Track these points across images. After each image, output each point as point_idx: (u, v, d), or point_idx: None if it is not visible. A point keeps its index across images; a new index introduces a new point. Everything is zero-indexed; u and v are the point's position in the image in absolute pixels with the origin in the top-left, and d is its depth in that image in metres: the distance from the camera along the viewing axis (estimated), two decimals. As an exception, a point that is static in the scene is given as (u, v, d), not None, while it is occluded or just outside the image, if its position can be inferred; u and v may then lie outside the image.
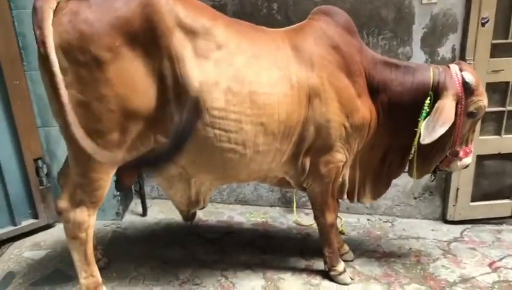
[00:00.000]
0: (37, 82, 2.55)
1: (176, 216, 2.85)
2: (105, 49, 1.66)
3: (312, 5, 2.51)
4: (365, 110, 2.11)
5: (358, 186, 2.38)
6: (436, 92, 2.10)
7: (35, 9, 1.64)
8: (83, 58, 1.66)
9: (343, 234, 2.88)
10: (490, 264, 2.60)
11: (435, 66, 2.20)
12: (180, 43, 1.77)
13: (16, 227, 2.73)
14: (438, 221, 3.11)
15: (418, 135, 2.11)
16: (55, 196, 2.69)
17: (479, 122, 2.38)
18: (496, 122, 2.92)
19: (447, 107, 2.04)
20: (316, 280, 2.42)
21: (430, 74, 2.13)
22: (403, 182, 2.99)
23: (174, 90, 1.80)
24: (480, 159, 2.95)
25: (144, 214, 3.11)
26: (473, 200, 3.03)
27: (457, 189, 2.99)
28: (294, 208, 2.99)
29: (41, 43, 1.62)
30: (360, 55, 2.10)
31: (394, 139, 2.24)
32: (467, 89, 2.09)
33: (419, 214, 3.14)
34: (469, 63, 2.55)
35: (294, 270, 2.50)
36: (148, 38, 1.73)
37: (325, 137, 2.07)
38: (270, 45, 1.99)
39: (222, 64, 1.85)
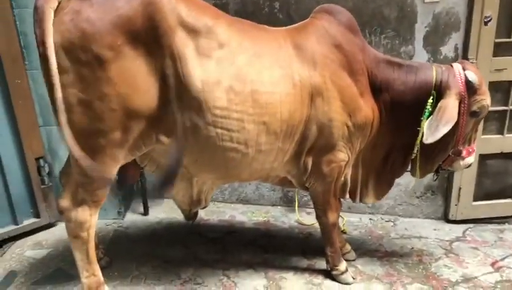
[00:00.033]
0: (38, 81, 2.55)
1: (177, 215, 2.85)
2: (107, 48, 1.66)
3: (314, 4, 2.50)
4: (368, 109, 2.10)
5: (360, 185, 2.38)
6: (439, 91, 2.09)
7: (36, 9, 1.64)
8: (85, 57, 1.65)
9: (345, 233, 2.88)
10: (492, 264, 2.59)
11: (438, 65, 2.19)
12: (182, 42, 1.76)
13: (18, 226, 2.73)
14: (440, 220, 3.10)
15: (420, 134, 2.10)
16: (56, 195, 2.69)
17: (482, 122, 2.37)
18: (498, 122, 2.91)
19: (450, 106, 2.03)
20: (318, 279, 2.42)
21: (433, 73, 2.12)
22: (405, 181, 2.99)
23: (176, 89, 1.80)
24: (483, 158, 2.94)
25: (146, 213, 3.11)
26: (475, 200, 3.02)
27: (460, 188, 2.98)
28: (296, 207, 2.99)
29: (41, 43, 1.62)
30: (363, 54, 2.10)
31: (397, 138, 2.24)
32: (470, 88, 2.08)
33: (422, 214, 3.13)
34: (472, 62, 2.54)
35: (296, 269, 2.50)
36: (150, 37, 1.72)
37: (327, 136, 2.07)
38: (272, 43, 1.98)
39: (224, 63, 1.84)
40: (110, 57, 1.67)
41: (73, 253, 1.97)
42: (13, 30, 2.51)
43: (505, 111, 2.87)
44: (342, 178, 2.28)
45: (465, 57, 2.74)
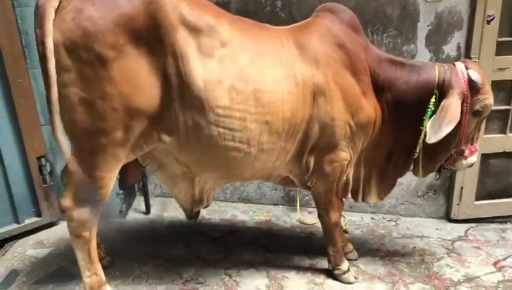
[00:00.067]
0: (40, 80, 2.53)
1: (179, 214, 2.85)
2: (109, 47, 1.66)
3: (316, 3, 2.50)
4: (370, 108, 2.09)
5: (363, 185, 2.37)
6: (442, 90, 2.08)
7: (37, 8, 1.63)
8: (87, 56, 1.65)
9: (347, 232, 2.87)
10: (495, 264, 2.58)
11: (441, 64, 2.18)
12: (184, 41, 1.76)
13: (20, 225, 2.72)
14: (442, 220, 3.10)
15: (423, 133, 2.10)
16: (58, 194, 2.68)
17: (484, 121, 2.37)
18: (501, 121, 2.90)
19: (453, 105, 2.02)
20: (320, 278, 2.41)
21: (436, 72, 2.11)
22: (407, 180, 2.98)
23: (178, 88, 1.79)
24: (485, 157, 2.93)
25: (147, 212, 3.10)
26: (477, 199, 3.02)
27: (462, 187, 2.97)
28: (298, 207, 2.98)
29: (41, 42, 1.62)
30: (365, 53, 2.09)
31: (399, 137, 2.23)
32: (473, 88, 2.07)
33: (424, 213, 3.13)
34: (474, 61, 2.53)
35: (298, 269, 2.49)
36: (152, 36, 1.72)
37: (329, 136, 2.06)
38: (274, 42, 1.98)
39: (226, 62, 1.84)
40: (112, 56, 1.66)
41: (75, 252, 1.97)
42: (15, 29, 2.50)
43: (508, 110, 2.87)
44: (344, 177, 2.28)
45: (467, 56, 2.73)
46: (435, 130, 2.00)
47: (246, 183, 3.20)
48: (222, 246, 2.71)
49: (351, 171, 2.30)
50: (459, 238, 2.86)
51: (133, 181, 2.56)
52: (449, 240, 2.83)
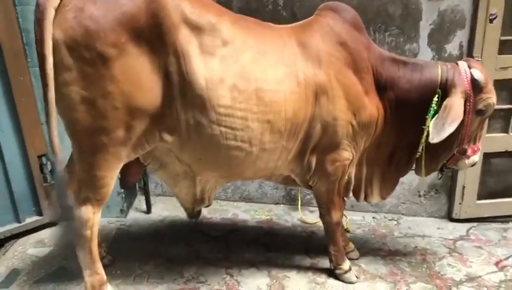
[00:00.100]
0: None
1: (180, 213, 2.84)
2: (111, 46, 1.65)
3: (318, 1, 2.49)
4: (372, 107, 2.09)
5: (365, 184, 2.36)
6: (445, 89, 2.08)
7: (36, 7, 1.63)
8: (88, 54, 1.64)
9: (348, 232, 2.87)
10: (497, 263, 2.58)
11: (443, 63, 2.17)
12: (185, 40, 1.75)
13: (20, 224, 2.72)
14: (443, 219, 3.09)
15: (425, 132, 2.09)
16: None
17: (487, 120, 2.36)
18: (503, 120, 2.89)
19: (456, 105, 2.02)
20: (322, 278, 2.41)
21: (438, 71, 2.10)
22: (409, 179, 2.97)
23: (179, 87, 1.79)
24: (487, 157, 2.92)
25: (148, 211, 3.10)
26: (479, 198, 3.00)
27: (464, 187, 2.96)
28: (299, 206, 2.98)
29: (39, 42, 1.61)
30: (368, 52, 2.08)
31: (401, 136, 2.22)
32: (476, 87, 2.06)
33: (425, 212, 3.12)
34: (477, 60, 2.52)
35: (300, 268, 2.49)
36: (153, 34, 1.71)
37: (331, 135, 2.05)
38: (276, 41, 1.97)
39: (228, 61, 1.83)
40: (113, 54, 1.66)
41: (76, 251, 1.97)
42: (16, 27, 2.49)
43: (510, 109, 2.85)
44: (346, 177, 2.27)
45: (470, 54, 2.72)
46: (438, 129, 1.99)
47: (247, 182, 3.20)
48: (223, 245, 2.71)
49: (353, 171, 2.30)
50: (461, 238, 2.86)
51: (134, 180, 2.56)
52: (451, 240, 2.83)
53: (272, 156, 2.03)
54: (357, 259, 2.57)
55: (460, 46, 2.76)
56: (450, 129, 1.97)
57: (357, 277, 2.39)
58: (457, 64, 2.14)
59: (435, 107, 2.07)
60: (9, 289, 2.29)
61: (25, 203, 2.73)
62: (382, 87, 2.13)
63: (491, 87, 2.12)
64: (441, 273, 2.48)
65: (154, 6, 1.69)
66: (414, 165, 2.34)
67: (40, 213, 2.80)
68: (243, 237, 2.82)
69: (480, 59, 2.67)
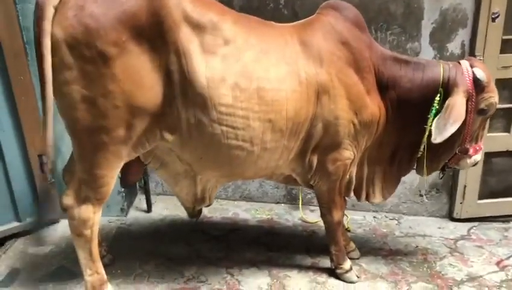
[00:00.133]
0: (41, 77, 2.53)
1: (180, 213, 2.84)
2: (112, 44, 1.64)
3: (320, 0, 2.47)
4: (374, 106, 2.08)
5: (366, 184, 2.36)
6: (447, 88, 2.07)
7: (36, 6, 1.62)
8: (89, 53, 1.63)
9: (349, 231, 2.86)
10: (498, 263, 2.57)
11: (445, 62, 2.16)
12: (187, 38, 1.74)
13: (20, 223, 2.71)
14: (444, 219, 3.08)
15: (427, 132, 2.08)
16: (59, 192, 2.67)
17: (489, 119, 2.35)
18: (504, 119, 2.88)
19: (458, 104, 2.01)
20: (322, 277, 2.40)
21: (440, 70, 2.09)
22: (410, 179, 2.96)
23: (180, 86, 1.78)
24: (488, 156, 2.91)
25: (149, 210, 3.09)
26: (480, 198, 3.00)
27: (465, 186, 2.95)
28: (300, 205, 2.97)
29: (38, 41, 1.60)
30: (370, 51, 2.07)
31: (403, 136, 2.21)
32: (478, 86, 2.05)
33: (426, 212, 3.11)
34: (479, 59, 2.51)
35: (300, 267, 2.48)
36: (154, 33, 1.70)
37: (333, 134, 2.04)
38: (278, 40, 1.96)
39: (230, 59, 1.82)
40: (114, 53, 1.65)
41: (77, 251, 1.96)
42: (16, 25, 2.48)
43: (512, 109, 2.85)
44: (347, 176, 2.26)
45: (471, 54, 2.71)
46: (440, 129, 1.99)
47: (248, 181, 3.19)
48: (224, 244, 2.70)
49: (354, 170, 2.29)
50: (462, 237, 2.85)
51: (134, 179, 2.54)
52: (452, 239, 2.82)
53: (273, 155, 2.02)
54: (357, 258, 2.56)
55: (462, 45, 2.75)
56: (452, 129, 1.96)
57: (358, 277, 2.39)
58: (459, 63, 2.13)
59: (437, 107, 2.07)
60: (9, 288, 2.28)
61: (25, 202, 2.72)
62: (384, 86, 2.12)
63: (493, 86, 2.12)
64: (442, 273, 2.47)
65: (155, 4, 1.68)
66: (415, 165, 2.33)
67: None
68: (244, 236, 2.81)
69: (482, 58, 2.66)
